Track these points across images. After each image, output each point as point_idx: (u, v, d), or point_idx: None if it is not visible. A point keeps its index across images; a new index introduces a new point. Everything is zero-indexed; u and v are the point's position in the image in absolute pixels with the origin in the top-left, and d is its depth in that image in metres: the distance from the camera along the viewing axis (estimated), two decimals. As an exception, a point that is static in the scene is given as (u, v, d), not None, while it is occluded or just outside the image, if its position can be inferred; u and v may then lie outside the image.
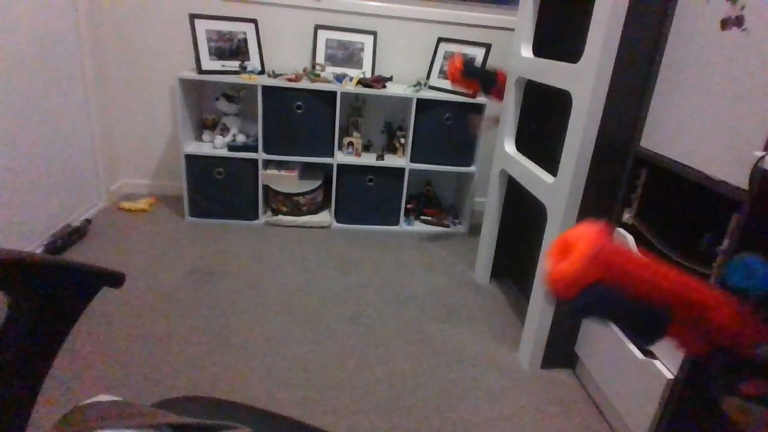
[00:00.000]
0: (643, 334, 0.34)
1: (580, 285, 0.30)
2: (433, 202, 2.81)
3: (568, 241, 0.31)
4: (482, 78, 2.01)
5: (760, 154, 0.91)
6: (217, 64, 2.28)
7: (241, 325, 1.67)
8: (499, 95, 1.94)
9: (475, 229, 2.63)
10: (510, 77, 1.84)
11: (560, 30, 1.67)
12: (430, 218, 2.67)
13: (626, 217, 1.36)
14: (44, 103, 1.99)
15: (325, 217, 2.55)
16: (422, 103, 2.36)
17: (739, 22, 0.99)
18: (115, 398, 0.53)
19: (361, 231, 2.52)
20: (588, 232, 0.31)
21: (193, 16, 2.21)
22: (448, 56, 2.49)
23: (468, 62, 2.02)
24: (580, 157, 1.34)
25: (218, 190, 2.37)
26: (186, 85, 2.26)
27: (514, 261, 2.07)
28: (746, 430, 0.46)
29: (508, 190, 1.97)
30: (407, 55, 2.62)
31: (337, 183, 2.45)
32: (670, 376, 1.13)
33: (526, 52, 1.74)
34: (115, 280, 0.61)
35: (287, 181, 2.44)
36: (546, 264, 0.31)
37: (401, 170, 2.47)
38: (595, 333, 1.46)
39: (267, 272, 2.02)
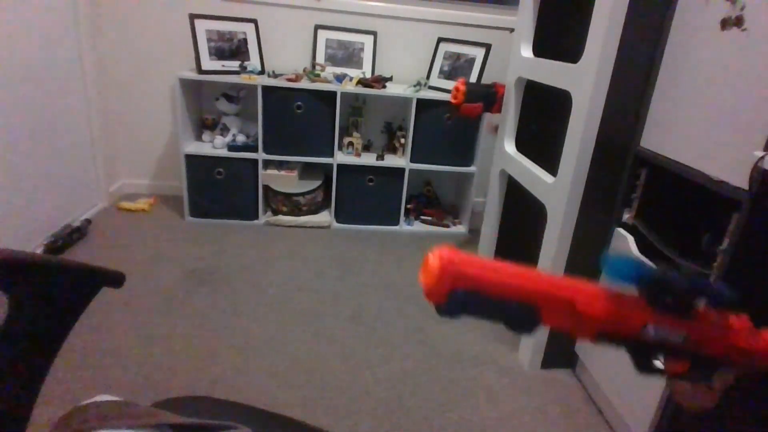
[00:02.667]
0: (518, 328, 0.40)
1: (440, 293, 0.37)
2: (433, 202, 2.81)
3: (427, 260, 0.37)
4: (485, 97, 1.99)
5: (760, 154, 0.91)
6: (217, 64, 2.28)
7: (241, 325, 1.67)
8: (500, 109, 1.97)
9: (475, 229, 2.62)
10: (510, 77, 1.84)
11: (560, 30, 1.67)
12: (430, 218, 2.67)
13: (626, 217, 1.36)
14: (44, 103, 1.99)
15: (325, 217, 2.55)
16: (422, 103, 2.36)
17: (739, 22, 0.99)
18: (115, 398, 0.53)
19: (361, 231, 2.52)
20: (440, 252, 0.37)
21: (193, 16, 2.21)
22: (449, 56, 2.49)
23: (470, 85, 2.00)
24: (580, 157, 1.34)
25: (218, 190, 2.37)
26: (186, 85, 2.26)
27: (514, 261, 2.07)
28: (684, 405, 0.51)
29: (508, 190, 1.97)
30: (407, 55, 2.62)
31: (337, 183, 2.45)
32: (670, 376, 1.13)
33: (526, 52, 1.74)
34: (115, 280, 0.61)
35: (287, 181, 2.44)
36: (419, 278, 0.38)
37: (401, 170, 2.47)
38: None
39: (267, 272, 2.02)
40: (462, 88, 1.95)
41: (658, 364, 0.49)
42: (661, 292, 0.43)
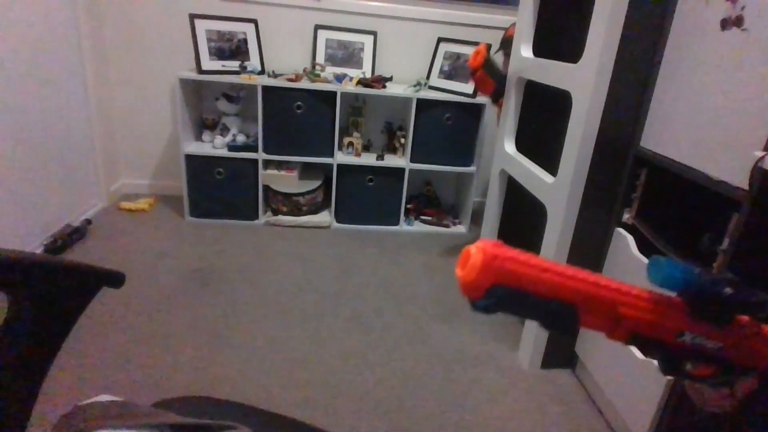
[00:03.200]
0: (555, 327, 0.39)
1: (479, 288, 0.35)
2: (433, 202, 2.81)
3: (468, 253, 0.36)
4: (500, 80, 1.89)
5: (760, 154, 0.91)
6: (217, 64, 2.28)
7: (241, 325, 1.67)
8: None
9: (475, 229, 2.63)
10: (510, 77, 1.84)
11: (560, 30, 1.67)
12: (430, 218, 2.67)
13: (626, 217, 1.36)
14: (44, 103, 1.99)
15: (325, 217, 2.55)
16: (422, 103, 2.36)
17: (739, 22, 0.99)
18: (115, 398, 0.53)
19: (361, 231, 2.52)
20: (483, 246, 0.35)
21: (193, 16, 2.21)
22: (449, 56, 2.49)
23: (491, 58, 1.88)
24: (580, 157, 1.34)
25: (218, 190, 2.37)
26: (186, 85, 2.26)
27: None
28: (703, 408, 0.50)
29: (508, 190, 1.97)
30: (407, 55, 2.62)
31: (337, 183, 2.45)
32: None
33: (526, 52, 1.74)
34: (115, 280, 0.61)
35: (287, 181, 2.44)
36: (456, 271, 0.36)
37: (401, 170, 2.47)
38: (595, 333, 1.46)
39: (267, 272, 2.02)
40: (484, 52, 1.85)
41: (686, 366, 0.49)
42: (707, 302, 0.42)
